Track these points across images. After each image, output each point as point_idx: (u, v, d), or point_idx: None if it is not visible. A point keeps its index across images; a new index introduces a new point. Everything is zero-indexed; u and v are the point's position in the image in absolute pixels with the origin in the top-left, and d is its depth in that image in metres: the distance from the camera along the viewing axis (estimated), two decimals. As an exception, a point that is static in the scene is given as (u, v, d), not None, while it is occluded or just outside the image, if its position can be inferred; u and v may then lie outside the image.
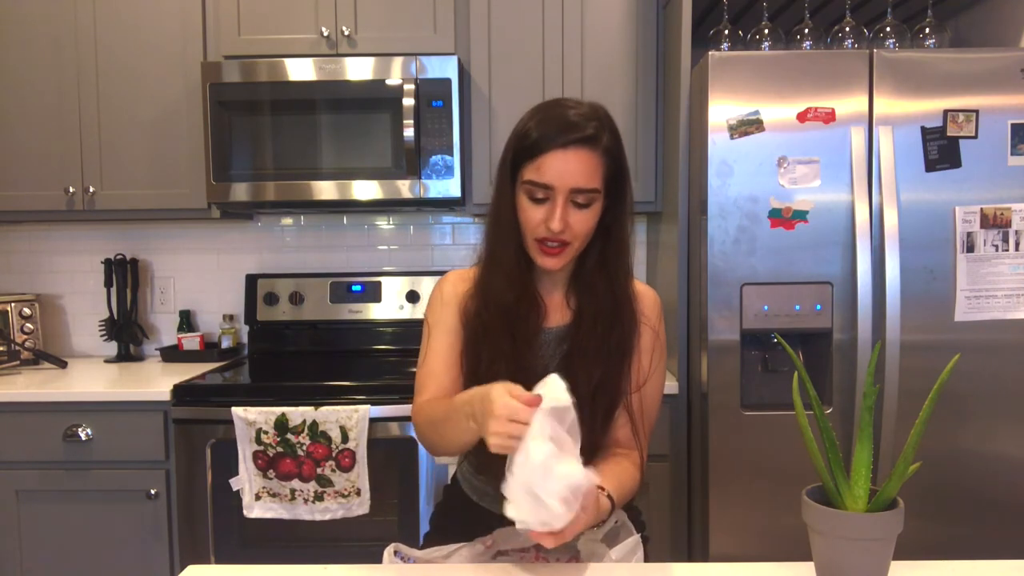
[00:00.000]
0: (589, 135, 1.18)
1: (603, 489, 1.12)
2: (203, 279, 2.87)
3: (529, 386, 1.03)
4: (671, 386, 2.16)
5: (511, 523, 1.32)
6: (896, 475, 0.94)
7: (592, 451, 1.23)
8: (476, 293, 1.29)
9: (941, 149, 1.95)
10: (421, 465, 2.18)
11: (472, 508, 1.38)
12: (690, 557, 2.22)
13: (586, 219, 1.21)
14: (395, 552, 1.25)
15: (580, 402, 1.21)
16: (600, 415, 1.26)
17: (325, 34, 2.43)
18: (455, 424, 1.13)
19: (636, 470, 1.27)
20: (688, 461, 2.21)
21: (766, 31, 2.23)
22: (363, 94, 2.37)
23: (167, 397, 2.19)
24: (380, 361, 2.67)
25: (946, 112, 1.95)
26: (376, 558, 1.23)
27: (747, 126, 1.95)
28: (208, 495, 2.18)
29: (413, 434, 2.15)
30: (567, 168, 1.17)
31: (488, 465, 1.24)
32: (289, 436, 2.09)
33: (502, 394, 1.01)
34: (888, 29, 2.22)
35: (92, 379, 2.43)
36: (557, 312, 1.32)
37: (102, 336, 2.79)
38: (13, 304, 2.70)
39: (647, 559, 1.33)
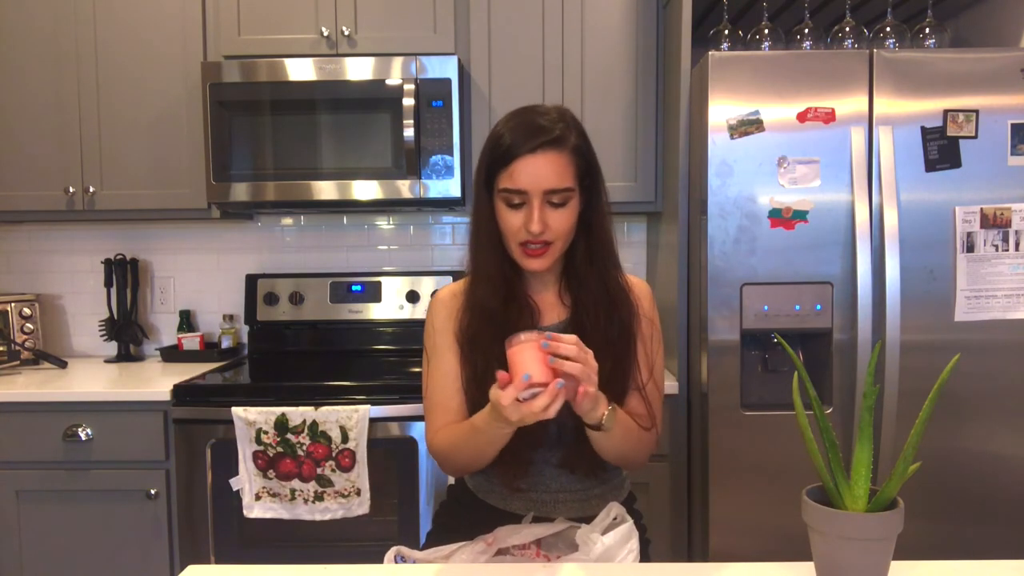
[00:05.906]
0: (556, 137, 1.24)
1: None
2: (203, 279, 2.87)
3: None
4: (671, 386, 2.16)
5: (515, 520, 1.32)
6: (896, 475, 0.94)
7: None
8: (465, 305, 1.34)
9: (941, 149, 1.95)
10: (421, 465, 2.18)
11: (477, 506, 1.39)
12: (690, 557, 2.22)
13: (564, 217, 1.27)
14: (396, 556, 1.25)
15: None
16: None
17: (325, 34, 2.43)
18: (481, 438, 1.21)
19: (649, 435, 1.33)
20: (688, 461, 2.21)
21: (766, 31, 2.23)
22: (363, 94, 2.37)
23: (167, 397, 2.19)
24: (380, 361, 2.67)
25: (946, 112, 1.95)
26: (376, 558, 1.23)
27: (747, 126, 1.95)
28: (208, 495, 2.18)
29: (413, 434, 2.16)
30: (538, 172, 1.23)
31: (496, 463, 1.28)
32: (289, 436, 2.09)
33: (496, 393, 1.09)
34: (888, 29, 2.22)
35: (92, 379, 2.43)
36: (552, 311, 1.36)
37: (102, 336, 2.79)
38: (13, 304, 2.70)
39: (647, 559, 1.33)
